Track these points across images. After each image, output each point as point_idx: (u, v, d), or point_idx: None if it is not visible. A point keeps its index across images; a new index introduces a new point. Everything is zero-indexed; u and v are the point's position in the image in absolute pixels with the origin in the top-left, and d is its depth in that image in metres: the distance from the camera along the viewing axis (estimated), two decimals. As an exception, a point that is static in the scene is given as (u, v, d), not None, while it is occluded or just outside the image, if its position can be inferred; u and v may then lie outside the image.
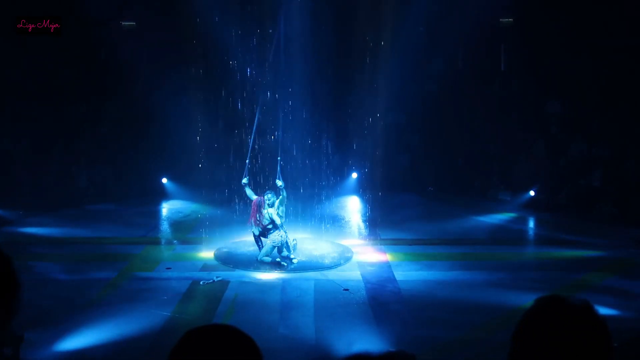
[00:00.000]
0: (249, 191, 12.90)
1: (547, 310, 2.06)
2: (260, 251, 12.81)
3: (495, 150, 19.61)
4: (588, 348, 1.97)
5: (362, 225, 16.52)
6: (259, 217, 12.68)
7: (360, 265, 12.73)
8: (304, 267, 12.63)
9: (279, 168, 13.12)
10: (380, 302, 10.66)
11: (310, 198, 16.84)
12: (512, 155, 19.39)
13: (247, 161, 13.23)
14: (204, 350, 2.01)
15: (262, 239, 12.87)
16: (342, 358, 1.34)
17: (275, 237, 12.65)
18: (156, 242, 14.90)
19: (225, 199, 16.36)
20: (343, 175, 19.45)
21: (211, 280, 11.54)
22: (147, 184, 19.49)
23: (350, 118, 19.66)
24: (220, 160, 17.96)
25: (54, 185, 18.44)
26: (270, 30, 16.43)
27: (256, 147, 15.87)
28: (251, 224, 12.86)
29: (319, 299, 10.77)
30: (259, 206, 12.67)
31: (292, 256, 12.75)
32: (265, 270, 12.32)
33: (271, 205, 12.60)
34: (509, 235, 15.51)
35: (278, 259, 12.70)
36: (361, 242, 14.58)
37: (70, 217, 16.78)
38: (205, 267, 12.56)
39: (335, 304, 10.56)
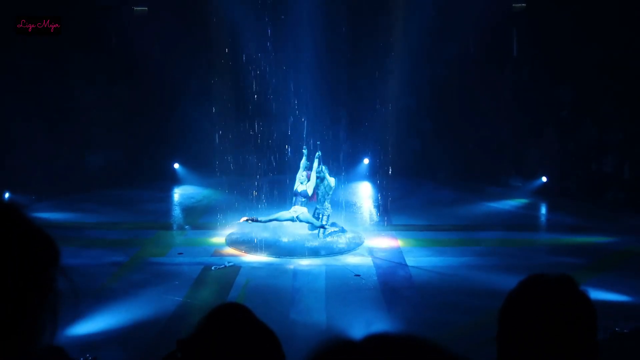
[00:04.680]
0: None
1: (528, 287, 2.09)
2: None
3: (507, 136, 19.49)
4: (570, 320, 1.99)
5: (373, 210, 16.51)
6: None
7: (372, 250, 12.77)
8: (315, 252, 12.68)
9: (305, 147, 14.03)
10: (392, 287, 10.68)
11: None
12: (524, 141, 19.26)
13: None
14: (231, 331, 2.03)
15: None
16: (363, 338, 1.30)
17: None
18: (168, 227, 14.97)
19: (238, 184, 16.36)
20: (355, 160, 19.43)
21: (223, 266, 11.59)
22: (158, 169, 19.51)
23: (362, 103, 19.58)
24: (233, 146, 17.96)
25: (65, 169, 18.46)
26: (282, 17, 16.40)
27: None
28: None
29: (330, 284, 10.81)
30: None
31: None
32: (278, 256, 12.40)
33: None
34: (521, 221, 15.47)
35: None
36: (372, 227, 14.59)
37: (82, 201, 16.85)
38: (217, 252, 12.63)
39: (347, 289, 10.60)
